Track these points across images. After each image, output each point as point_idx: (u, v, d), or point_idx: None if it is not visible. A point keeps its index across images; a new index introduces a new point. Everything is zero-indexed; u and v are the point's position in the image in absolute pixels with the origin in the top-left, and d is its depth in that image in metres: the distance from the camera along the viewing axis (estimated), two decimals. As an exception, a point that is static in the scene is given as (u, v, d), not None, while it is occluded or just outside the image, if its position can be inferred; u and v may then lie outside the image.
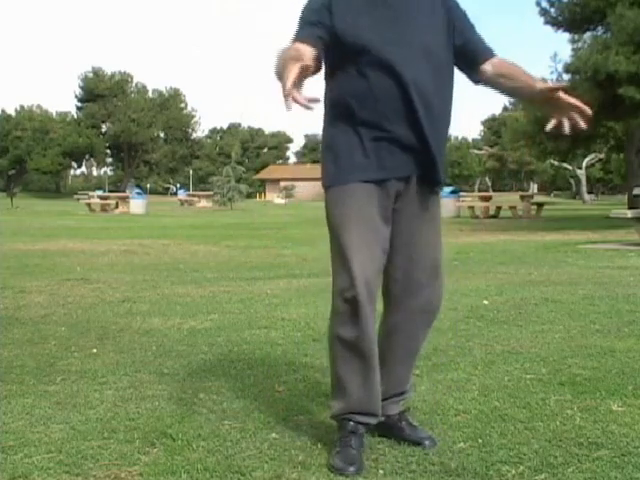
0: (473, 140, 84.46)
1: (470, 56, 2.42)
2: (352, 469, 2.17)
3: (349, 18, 2.27)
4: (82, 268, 8.13)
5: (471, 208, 24.54)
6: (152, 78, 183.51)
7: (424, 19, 2.34)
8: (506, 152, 60.13)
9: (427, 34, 2.32)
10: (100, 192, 44.41)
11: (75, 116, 76.36)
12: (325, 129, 2.39)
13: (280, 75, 2.06)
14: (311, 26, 2.27)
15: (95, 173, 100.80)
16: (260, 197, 70.44)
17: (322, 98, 2.33)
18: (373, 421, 2.36)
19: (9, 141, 73.19)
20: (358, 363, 2.29)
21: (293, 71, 1.98)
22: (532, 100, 2.48)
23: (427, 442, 2.40)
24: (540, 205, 23.83)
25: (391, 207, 2.34)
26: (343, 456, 2.22)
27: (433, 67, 2.30)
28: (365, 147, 2.28)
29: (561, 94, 2.32)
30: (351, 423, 2.32)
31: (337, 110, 2.32)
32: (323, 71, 2.35)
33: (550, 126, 2.36)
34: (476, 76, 2.46)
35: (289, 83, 1.96)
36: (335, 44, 2.27)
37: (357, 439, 2.30)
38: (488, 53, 2.46)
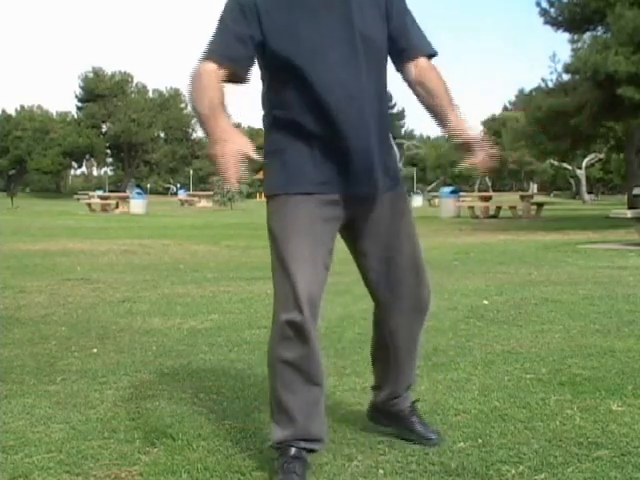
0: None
1: (397, 48, 2.24)
2: None
3: (280, 23, 2.09)
4: (82, 268, 8.13)
5: (471, 208, 24.55)
6: (152, 78, 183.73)
7: (364, 6, 2.16)
8: (506, 152, 60.11)
9: (367, 25, 2.15)
10: (100, 192, 44.51)
11: (75, 116, 76.37)
12: (268, 132, 2.21)
13: (197, 112, 2.05)
14: (238, 42, 2.09)
15: (95, 173, 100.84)
16: (260, 197, 70.42)
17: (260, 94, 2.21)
18: (318, 447, 2.20)
19: (9, 141, 73.18)
20: (303, 387, 2.13)
21: (233, 168, 1.92)
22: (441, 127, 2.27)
23: (434, 437, 2.42)
24: (540, 205, 23.83)
25: (341, 220, 2.22)
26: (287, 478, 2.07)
27: (375, 65, 2.17)
28: (315, 157, 2.14)
29: (469, 139, 2.18)
30: (293, 449, 2.14)
31: (281, 116, 2.17)
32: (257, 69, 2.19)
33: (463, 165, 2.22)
34: (401, 73, 2.28)
35: (232, 180, 1.92)
36: (266, 51, 2.12)
37: (301, 465, 2.12)
38: (418, 51, 2.26)
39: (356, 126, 2.13)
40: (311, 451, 2.18)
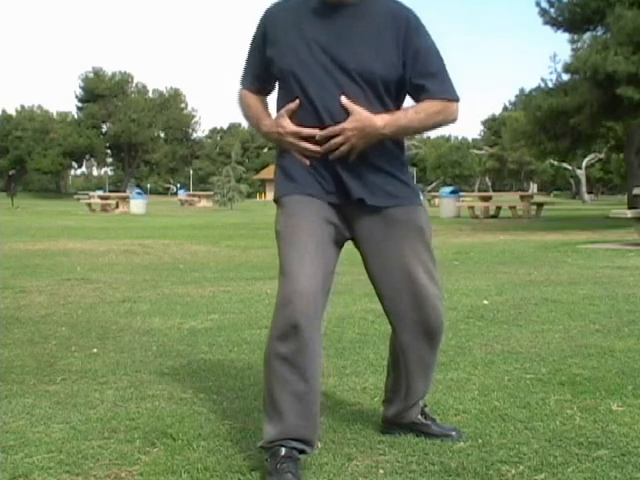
0: (473, 140, 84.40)
1: (413, 92, 2.28)
2: None
3: (282, 47, 2.26)
4: (82, 268, 8.13)
5: (471, 208, 24.55)
6: (152, 78, 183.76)
7: (367, 42, 2.22)
8: (506, 152, 60.16)
9: (367, 60, 2.21)
10: (100, 192, 44.53)
11: (75, 116, 76.30)
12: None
13: (253, 125, 2.43)
14: (255, 80, 2.40)
15: (95, 173, 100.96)
16: (260, 197, 70.50)
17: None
18: (308, 450, 2.17)
19: (9, 141, 73.15)
20: (297, 385, 2.13)
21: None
22: None
23: (454, 434, 2.45)
24: (540, 205, 23.84)
25: (345, 231, 2.28)
26: (280, 478, 2.06)
27: (365, 95, 2.21)
28: (315, 167, 2.24)
29: None
30: (284, 449, 2.12)
31: None
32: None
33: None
34: None
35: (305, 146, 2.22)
36: (274, 74, 2.33)
37: (294, 464, 2.10)
38: (431, 95, 2.25)
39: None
40: (302, 452, 2.16)
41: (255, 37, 2.37)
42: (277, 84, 2.37)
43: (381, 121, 2.19)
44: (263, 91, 2.42)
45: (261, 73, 2.37)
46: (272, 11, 2.34)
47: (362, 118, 2.18)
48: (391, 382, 2.52)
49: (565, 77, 19.59)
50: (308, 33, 2.24)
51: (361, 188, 2.24)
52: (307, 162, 2.24)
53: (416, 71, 2.24)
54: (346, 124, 2.18)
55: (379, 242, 2.29)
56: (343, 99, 2.18)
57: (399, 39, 2.22)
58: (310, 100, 2.22)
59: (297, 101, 2.22)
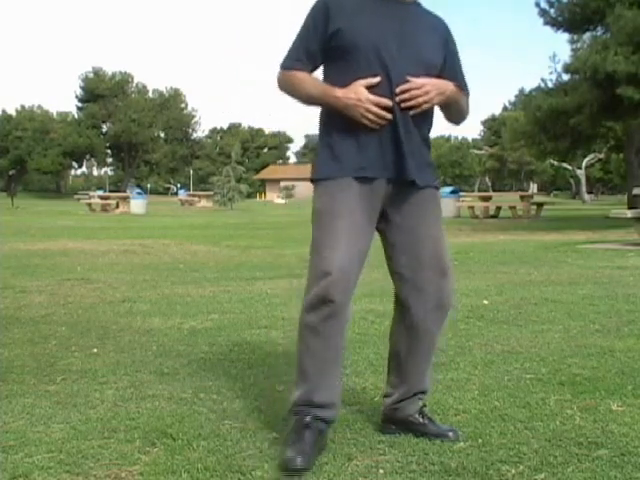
0: (473, 140, 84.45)
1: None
2: (300, 459, 2.17)
3: (354, 24, 2.33)
4: (82, 268, 8.13)
5: (471, 208, 24.54)
6: (152, 78, 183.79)
7: (425, 36, 2.42)
8: (506, 152, 60.18)
9: (427, 51, 2.40)
10: (100, 192, 44.55)
11: (76, 116, 76.35)
12: (322, 122, 2.44)
13: (309, 96, 2.38)
14: (310, 59, 2.40)
15: (95, 173, 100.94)
16: (260, 197, 70.56)
17: None
18: (330, 414, 2.35)
19: (9, 141, 73.20)
20: (322, 353, 2.31)
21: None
22: None
23: (451, 434, 2.46)
24: (540, 205, 23.83)
25: (379, 207, 2.38)
26: (295, 447, 2.22)
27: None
28: (359, 143, 2.33)
29: None
30: (307, 418, 2.31)
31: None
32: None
33: None
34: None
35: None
36: (337, 47, 2.34)
37: (311, 433, 2.28)
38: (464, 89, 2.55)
39: (394, 119, 2.30)
40: (324, 421, 2.32)
41: (314, 15, 2.39)
42: (329, 58, 2.38)
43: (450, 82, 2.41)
44: (311, 71, 2.43)
45: (316, 51, 2.39)
46: None
47: (436, 79, 2.36)
48: (392, 371, 2.55)
49: (565, 77, 19.59)
50: (378, 19, 2.34)
51: (415, 168, 2.36)
52: (377, 127, 2.29)
53: (452, 69, 2.49)
54: (425, 80, 2.31)
55: (413, 217, 2.41)
56: (410, 78, 2.30)
57: (442, 41, 2.47)
58: (387, 76, 2.29)
59: (378, 77, 2.28)
